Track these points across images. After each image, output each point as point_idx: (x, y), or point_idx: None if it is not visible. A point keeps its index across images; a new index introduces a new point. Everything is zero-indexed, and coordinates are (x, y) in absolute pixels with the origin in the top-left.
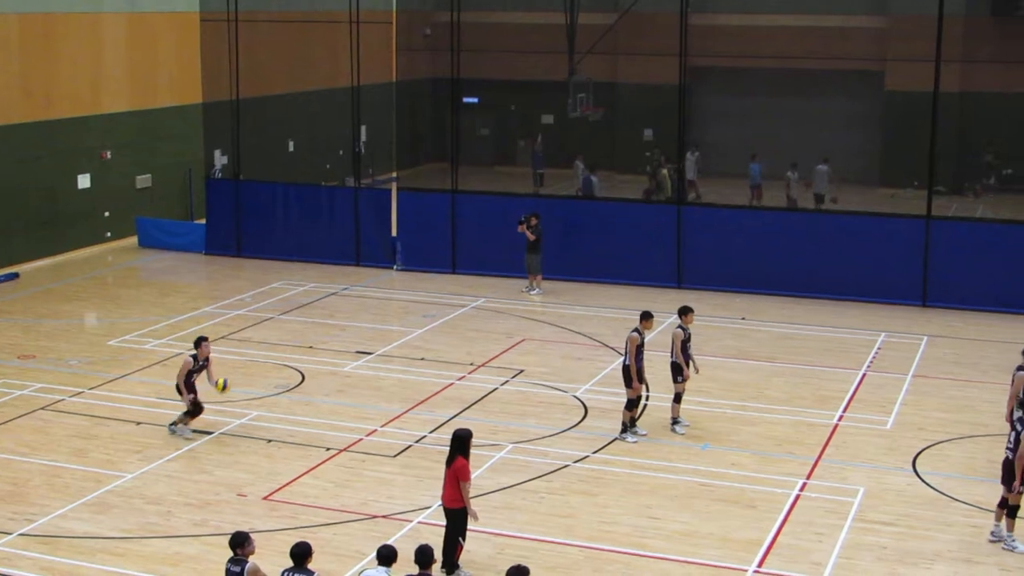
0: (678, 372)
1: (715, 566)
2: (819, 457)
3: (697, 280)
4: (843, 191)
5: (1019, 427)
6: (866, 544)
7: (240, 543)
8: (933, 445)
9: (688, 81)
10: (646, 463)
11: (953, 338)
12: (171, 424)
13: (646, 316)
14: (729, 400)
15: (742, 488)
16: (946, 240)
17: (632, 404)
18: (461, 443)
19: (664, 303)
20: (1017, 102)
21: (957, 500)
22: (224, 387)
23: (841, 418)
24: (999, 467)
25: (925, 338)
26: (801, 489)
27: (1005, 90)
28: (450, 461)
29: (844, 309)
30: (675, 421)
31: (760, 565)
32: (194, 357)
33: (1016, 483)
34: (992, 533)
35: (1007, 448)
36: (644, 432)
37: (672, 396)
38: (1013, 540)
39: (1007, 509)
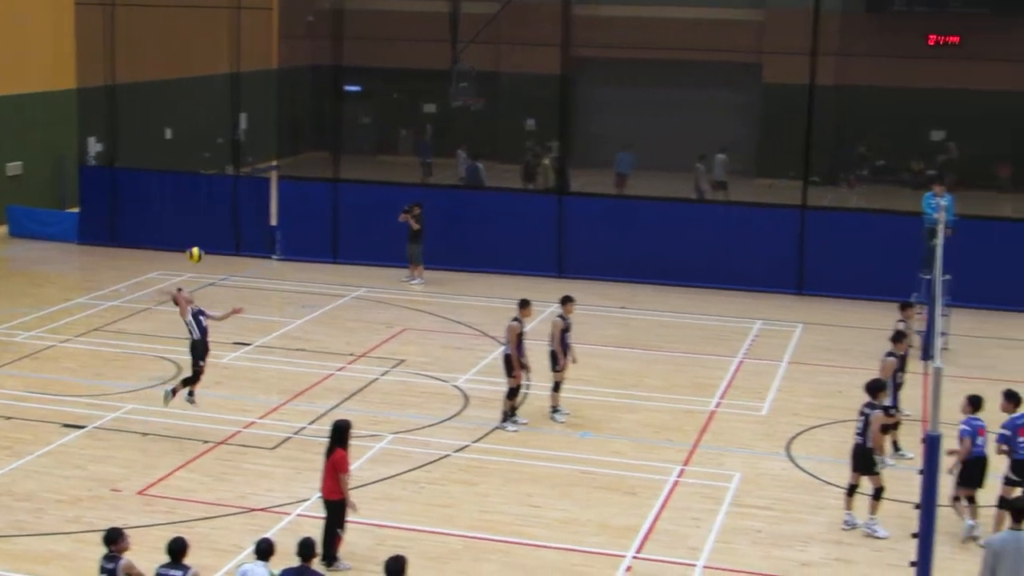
0: (556, 361)
1: (594, 553)
2: (696, 443)
3: (578, 269)
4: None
5: (867, 411)
6: (742, 528)
7: (114, 539)
8: (806, 430)
9: (570, 71)
10: (526, 452)
11: (826, 325)
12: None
13: (524, 304)
14: (609, 388)
15: (621, 475)
16: (821, 230)
17: (513, 393)
18: (340, 434)
19: (545, 292)
20: (890, 96)
21: (829, 483)
22: (198, 257)
23: (718, 405)
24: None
25: (800, 325)
26: (679, 475)
27: (878, 84)
28: (329, 452)
29: (722, 297)
30: (555, 410)
31: (639, 551)
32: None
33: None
34: (845, 522)
35: (856, 435)
36: (525, 420)
37: (551, 385)
38: (875, 524)
39: (874, 492)
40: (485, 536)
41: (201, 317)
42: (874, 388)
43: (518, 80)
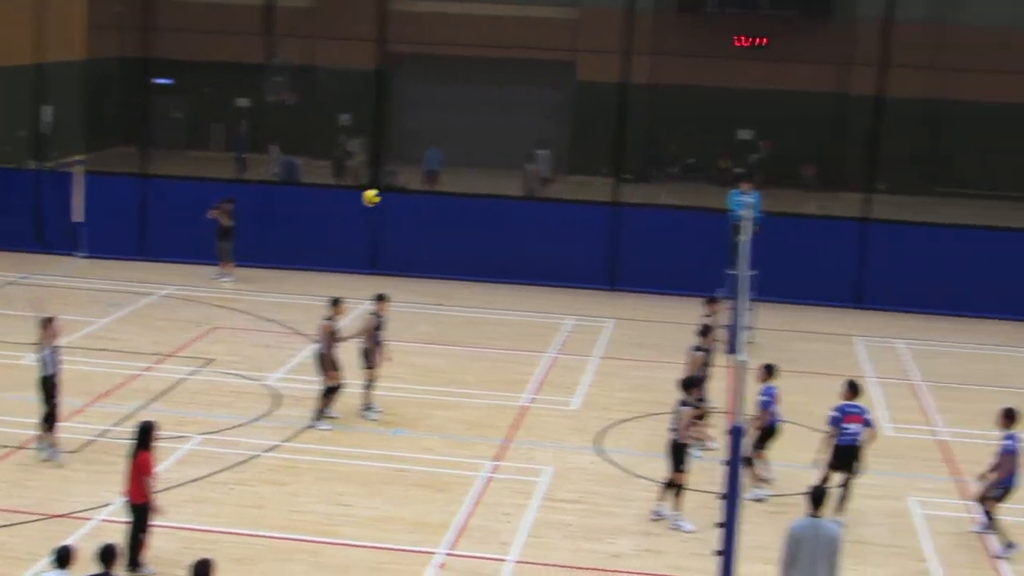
0: (368, 358)
1: (406, 551)
2: (509, 439)
3: (393, 266)
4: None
5: (680, 406)
6: (553, 522)
7: None
8: (616, 424)
9: (386, 67)
10: (339, 450)
11: (637, 320)
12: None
13: (336, 303)
14: (422, 385)
15: (434, 472)
16: (632, 226)
17: (331, 391)
18: (143, 435)
19: (359, 289)
20: (701, 95)
21: (638, 476)
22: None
23: (531, 400)
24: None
25: (611, 321)
26: (492, 471)
27: (690, 83)
28: (133, 455)
29: (536, 294)
30: (367, 407)
31: (451, 548)
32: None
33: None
34: (653, 512)
35: (670, 429)
36: (336, 415)
37: (363, 383)
38: (679, 519)
39: (674, 488)
40: (294, 537)
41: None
42: (687, 384)
43: (333, 75)
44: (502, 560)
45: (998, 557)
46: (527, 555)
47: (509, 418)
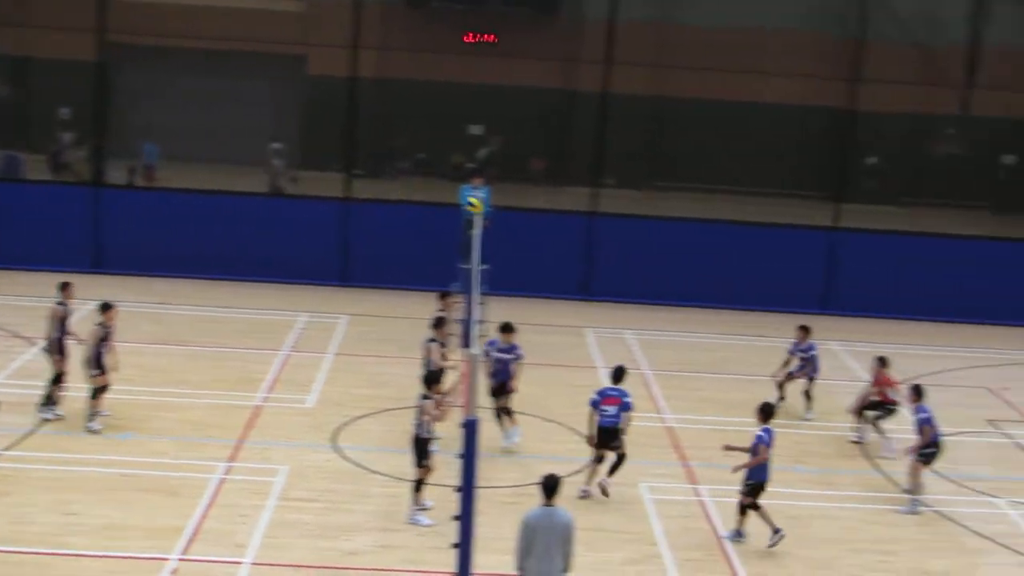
0: (93, 366)
1: (137, 558)
2: (242, 439)
3: (117, 264)
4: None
5: (422, 399)
6: (289, 522)
7: None
8: (352, 421)
9: (108, 59)
10: (64, 457)
11: (371, 316)
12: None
13: (65, 286)
14: (150, 387)
15: (166, 476)
16: (364, 221)
17: (99, 391)
18: None
19: (83, 288)
20: (431, 90)
21: (375, 472)
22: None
23: (264, 399)
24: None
25: (345, 317)
26: (225, 472)
27: (420, 78)
28: None
29: (267, 291)
30: (94, 414)
31: (184, 552)
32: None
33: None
34: (417, 512)
35: (414, 425)
36: (61, 413)
37: (89, 390)
38: (418, 513)
39: (415, 482)
40: (19, 550)
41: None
42: (428, 379)
43: (51, 66)
44: (238, 563)
45: (726, 538)
46: (263, 556)
47: (243, 418)
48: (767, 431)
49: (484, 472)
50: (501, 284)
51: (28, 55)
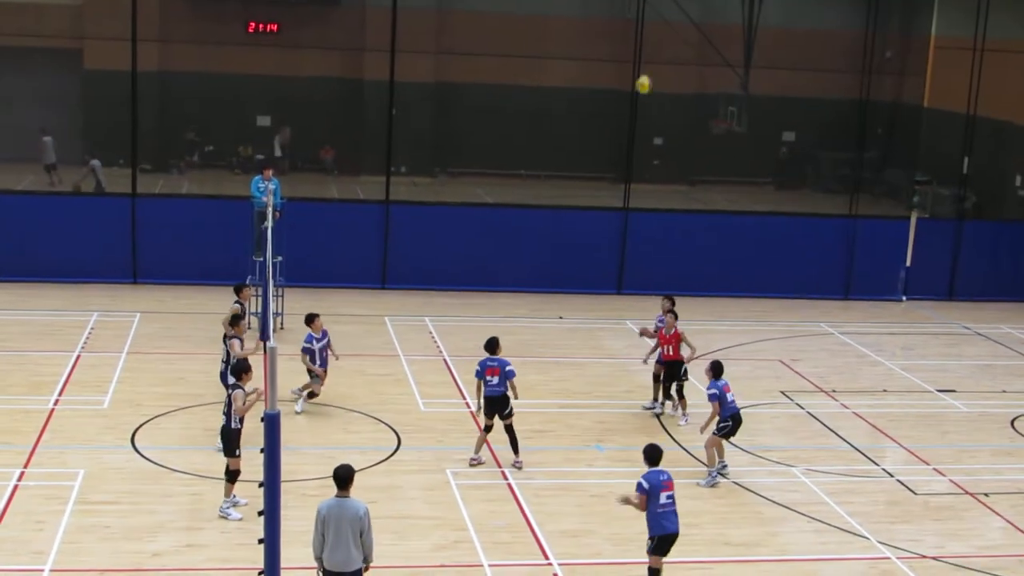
0: None
1: None
2: (36, 444)
3: None
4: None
5: (232, 390)
6: (89, 526)
7: None
8: (150, 420)
9: None
10: None
11: (164, 313)
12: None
13: None
14: None
15: None
16: (152, 217)
17: None
18: None
19: None
20: (216, 82)
21: (176, 471)
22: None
23: (57, 402)
24: (217, 435)
25: (138, 315)
26: (19, 479)
27: (204, 70)
28: None
29: (54, 291)
30: None
31: None
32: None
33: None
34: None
35: (223, 413)
36: None
37: None
38: (229, 507)
39: (228, 475)
40: None
41: None
42: (237, 370)
43: None
44: (37, 571)
45: (712, 476)
46: (62, 563)
47: (35, 422)
48: (715, 384)
49: (288, 466)
50: (299, 276)
51: None
